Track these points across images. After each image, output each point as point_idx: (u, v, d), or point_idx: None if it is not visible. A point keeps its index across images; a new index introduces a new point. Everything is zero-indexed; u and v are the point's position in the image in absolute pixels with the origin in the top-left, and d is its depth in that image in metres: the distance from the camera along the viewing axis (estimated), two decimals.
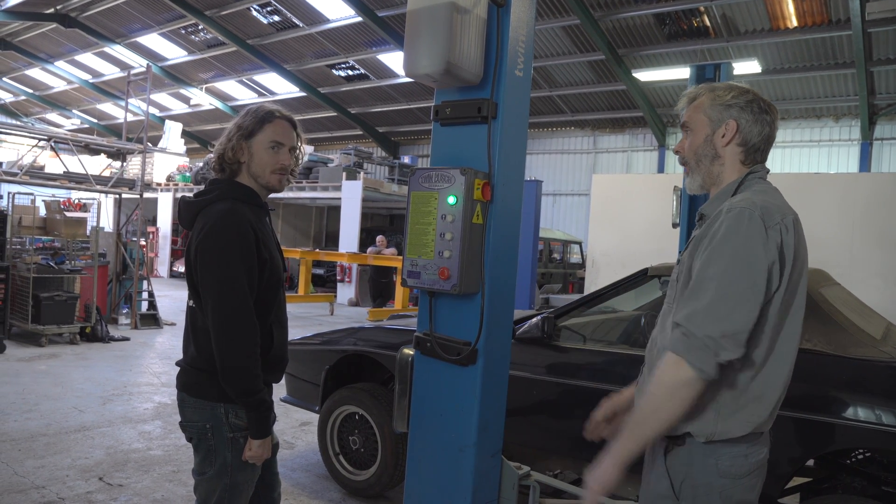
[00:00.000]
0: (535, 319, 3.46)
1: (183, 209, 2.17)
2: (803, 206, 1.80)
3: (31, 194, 10.07)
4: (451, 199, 2.24)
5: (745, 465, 1.64)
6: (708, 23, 14.06)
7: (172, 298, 13.28)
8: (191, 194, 2.21)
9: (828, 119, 16.37)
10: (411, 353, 2.55)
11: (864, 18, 12.09)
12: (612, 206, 12.07)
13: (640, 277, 3.69)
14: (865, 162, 15.60)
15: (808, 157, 16.63)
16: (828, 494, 2.88)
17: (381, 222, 22.01)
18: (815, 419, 2.74)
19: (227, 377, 1.96)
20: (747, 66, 13.40)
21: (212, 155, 2.24)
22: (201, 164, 19.50)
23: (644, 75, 15.82)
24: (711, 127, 1.75)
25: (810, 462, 3.02)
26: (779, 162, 16.74)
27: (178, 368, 2.17)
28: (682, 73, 14.28)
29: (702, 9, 13.66)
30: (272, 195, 2.27)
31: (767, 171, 1.79)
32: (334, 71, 20.53)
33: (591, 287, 11.90)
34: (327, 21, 17.74)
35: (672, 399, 1.58)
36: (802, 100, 15.85)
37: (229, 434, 2.04)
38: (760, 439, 1.68)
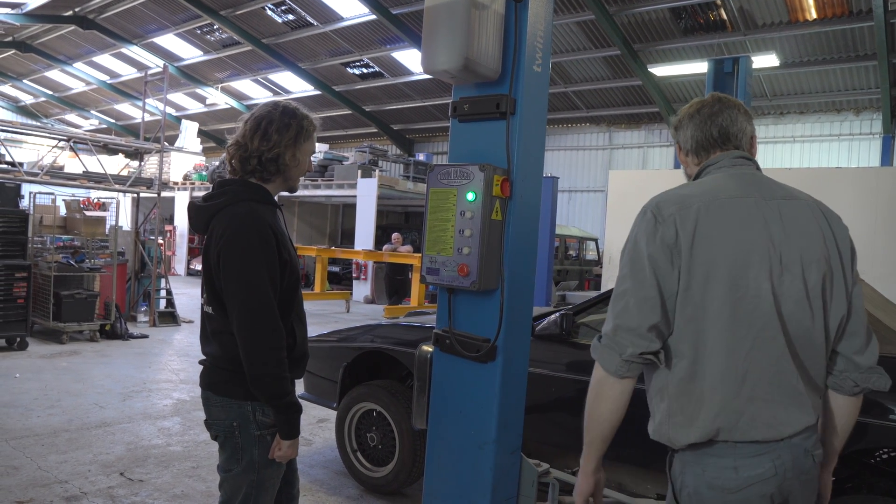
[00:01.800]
0: (553, 316, 3.45)
1: (194, 214, 2.13)
2: (824, 201, 1.75)
3: (52, 194, 10.19)
4: (471, 196, 2.24)
5: (736, 480, 1.53)
6: (725, 16, 13.90)
7: (190, 296, 13.39)
8: (199, 198, 2.17)
9: (848, 112, 16.14)
10: (430, 349, 2.55)
11: (887, 9, 11.90)
12: (629, 202, 11.98)
13: None
14: (888, 156, 15.37)
15: (827, 151, 16.41)
16: (851, 495, 2.84)
17: (396, 220, 22.03)
18: None
19: (256, 382, 1.97)
20: (765, 60, 13.22)
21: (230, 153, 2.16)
22: (217, 163, 19.62)
23: (660, 70, 15.68)
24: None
25: None
26: (798, 157, 16.56)
27: (197, 366, 2.18)
28: (699, 67, 14.12)
29: (718, 2, 13.51)
30: (284, 193, 2.27)
31: (741, 155, 1.76)
32: (349, 69, 20.57)
33: (607, 284, 11.84)
34: (341, 19, 17.77)
35: (598, 400, 1.67)
36: (822, 93, 15.65)
37: (256, 432, 2.05)
38: (754, 453, 1.54)
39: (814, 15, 13.22)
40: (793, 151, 16.73)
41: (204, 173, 20.25)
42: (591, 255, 17.56)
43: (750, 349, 1.55)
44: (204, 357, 2.17)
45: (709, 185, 1.68)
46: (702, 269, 1.55)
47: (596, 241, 17.60)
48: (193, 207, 2.14)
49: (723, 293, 1.54)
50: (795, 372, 1.58)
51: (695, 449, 1.59)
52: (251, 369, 1.95)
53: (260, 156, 2.07)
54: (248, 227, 1.98)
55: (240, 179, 2.11)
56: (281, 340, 1.99)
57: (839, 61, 14.27)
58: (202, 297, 2.14)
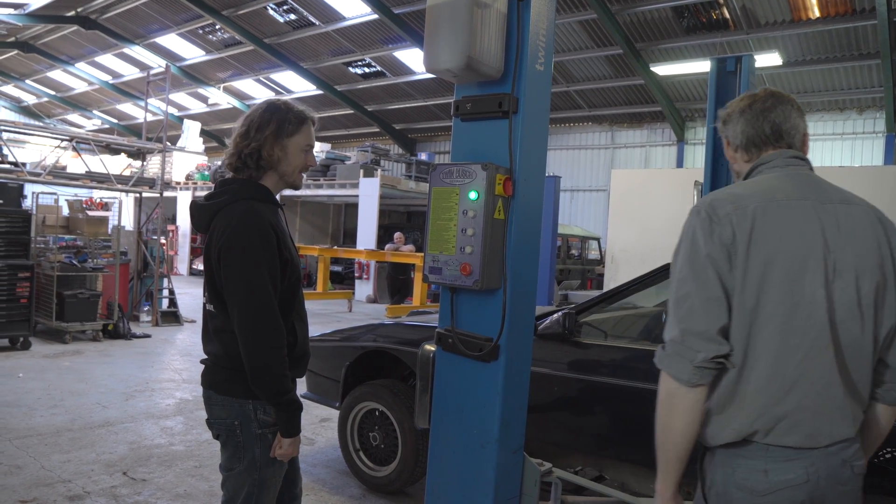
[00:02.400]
0: (556, 315, 3.44)
1: (196, 213, 2.14)
2: None
3: (55, 194, 10.20)
4: (473, 195, 2.23)
5: (764, 483, 1.51)
6: (727, 15, 13.88)
7: (192, 296, 13.41)
8: (201, 197, 2.17)
9: (851, 111, 16.11)
10: (433, 349, 2.54)
11: (891, 7, 11.87)
12: (631, 201, 11.99)
13: (663, 273, 3.66)
14: (891, 154, 15.33)
15: (830, 150, 16.38)
16: (869, 494, 2.83)
17: (398, 219, 22.03)
18: None
19: (257, 380, 1.97)
20: (768, 59, 13.20)
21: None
22: (219, 163, 19.64)
23: (662, 69, 15.67)
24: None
25: None
26: None
27: (199, 365, 2.19)
28: (702, 66, 14.11)
29: (721, 1, 13.49)
30: (287, 192, 2.28)
31: (794, 154, 1.71)
32: (351, 69, 20.57)
33: (610, 283, 11.84)
34: (343, 19, 17.78)
35: (671, 413, 1.57)
36: (825, 92, 15.61)
37: (258, 430, 2.05)
38: (786, 458, 1.52)
39: (816, 13, 13.20)
40: None
41: (206, 173, 20.27)
42: (593, 254, 17.56)
43: (803, 358, 1.52)
44: (206, 356, 2.17)
45: (764, 185, 1.63)
46: (757, 272, 1.52)
47: (598, 240, 17.60)
48: (196, 206, 2.14)
49: (777, 298, 1.51)
50: (841, 382, 1.55)
51: (727, 448, 1.56)
52: (251, 367, 1.95)
53: (241, 151, 2.09)
54: (249, 226, 1.98)
55: (241, 178, 2.11)
56: (281, 339, 1.99)
57: (842, 60, 14.24)
58: (204, 295, 2.14)
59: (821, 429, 1.53)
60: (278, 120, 2.09)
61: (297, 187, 2.22)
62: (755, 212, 1.55)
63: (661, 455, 1.61)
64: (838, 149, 16.31)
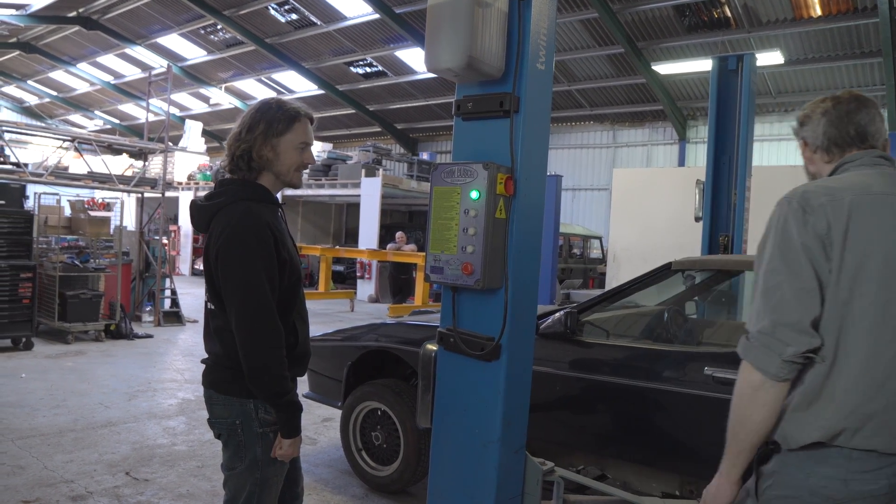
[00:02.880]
0: (558, 314, 3.44)
1: (196, 213, 2.14)
2: None
3: (57, 194, 10.24)
4: (474, 194, 2.23)
5: (843, 491, 1.48)
6: (729, 13, 13.86)
7: (194, 296, 13.41)
8: (201, 196, 2.16)
9: None
10: (434, 348, 2.55)
11: (892, 5, 11.85)
12: (633, 200, 11.98)
13: (664, 272, 3.66)
14: (894, 152, 15.24)
15: None
16: None
17: (400, 219, 22.04)
18: None
19: (255, 381, 1.97)
20: (769, 57, 13.18)
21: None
22: (221, 163, 19.62)
23: (664, 68, 15.65)
24: (802, 156, 1.85)
25: None
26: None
27: (201, 366, 2.19)
28: (703, 65, 14.09)
29: None
30: (289, 192, 2.27)
31: (880, 154, 1.72)
32: (352, 68, 20.58)
33: (612, 282, 11.83)
34: (345, 19, 17.78)
35: (751, 405, 1.54)
36: (827, 90, 15.56)
37: (259, 429, 2.05)
38: (870, 468, 1.48)
39: (818, 12, 13.18)
40: (797, 149, 16.56)
41: (208, 173, 20.29)
42: (595, 253, 17.55)
43: (894, 356, 1.49)
44: (207, 355, 2.17)
45: (855, 179, 1.61)
46: (852, 265, 1.49)
47: (600, 239, 17.59)
48: (195, 206, 2.14)
49: (872, 292, 1.48)
50: None
51: (804, 451, 1.52)
52: (249, 368, 1.95)
53: (232, 154, 2.09)
54: (246, 227, 1.98)
55: (239, 179, 2.11)
56: (279, 339, 1.99)
57: (844, 58, 14.21)
58: (206, 294, 2.14)
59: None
60: (267, 120, 2.07)
61: (296, 186, 2.21)
62: (851, 204, 1.52)
63: (733, 445, 1.59)
64: None
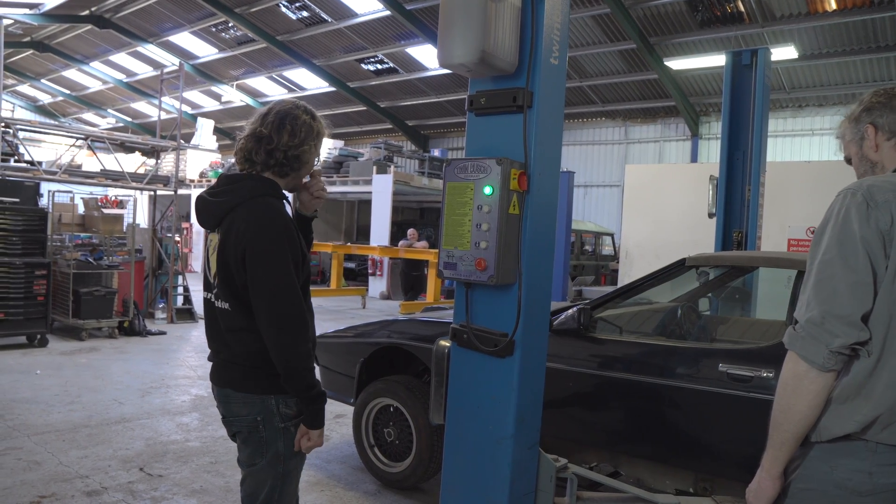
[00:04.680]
0: (571, 311, 3.43)
1: (204, 209, 2.09)
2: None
3: (70, 192, 10.29)
4: (488, 190, 2.23)
5: (868, 483, 1.49)
6: (742, 8, 13.74)
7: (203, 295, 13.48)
8: (206, 192, 2.13)
9: None
10: (448, 344, 2.54)
11: None
12: (645, 196, 11.92)
13: (678, 268, 3.64)
14: None
15: None
16: None
17: (411, 216, 22.04)
18: None
19: (291, 377, 1.97)
20: (784, 52, 13.06)
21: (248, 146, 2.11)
22: (232, 161, 19.70)
23: (676, 63, 15.54)
24: (858, 145, 1.76)
25: None
26: (817, 150, 16.34)
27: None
28: (716, 60, 13.98)
29: None
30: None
31: None
32: (363, 65, 20.58)
33: (624, 278, 11.79)
34: (356, 15, 17.78)
35: (796, 395, 1.53)
36: (841, 85, 15.42)
37: (280, 424, 2.06)
38: (893, 460, 1.49)
39: (833, 6, 13.03)
40: (811, 144, 16.52)
41: (220, 170, 20.37)
42: (606, 249, 17.48)
43: None
44: (212, 353, 2.16)
45: None
46: None
47: (612, 235, 17.52)
48: (204, 202, 2.10)
49: None
50: None
51: (830, 444, 1.53)
52: (286, 365, 1.95)
53: (286, 150, 2.05)
54: (274, 223, 1.97)
55: (253, 175, 2.07)
56: (308, 335, 2.01)
57: (859, 52, 14.05)
58: (209, 292, 2.12)
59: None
60: (318, 126, 2.12)
61: (295, 190, 2.22)
62: None
63: (776, 435, 1.58)
64: None
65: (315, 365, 2.05)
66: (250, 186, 2.05)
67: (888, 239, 1.49)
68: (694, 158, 17.94)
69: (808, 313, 1.51)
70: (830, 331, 1.47)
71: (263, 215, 1.98)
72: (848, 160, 1.82)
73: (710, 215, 6.14)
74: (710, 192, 6.15)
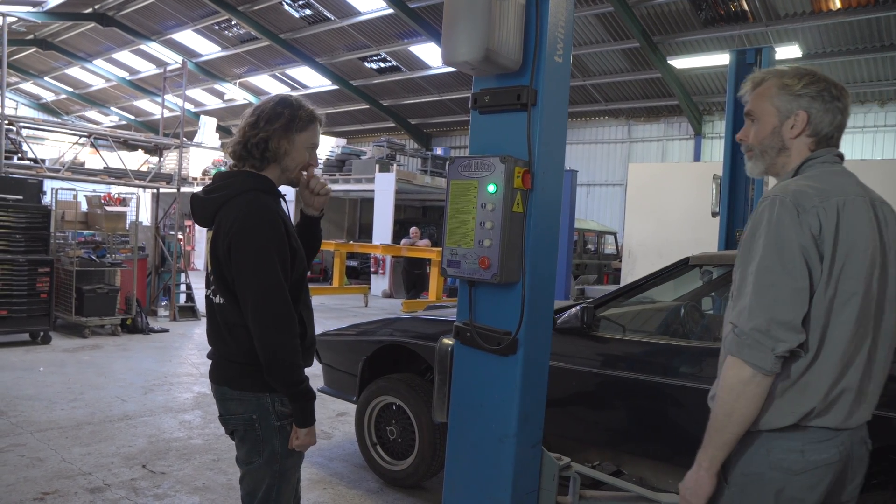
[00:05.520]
0: (574, 309, 3.42)
1: (198, 206, 2.10)
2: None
3: (73, 190, 10.30)
4: (492, 188, 2.22)
5: (801, 462, 1.58)
6: (746, 6, 13.71)
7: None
8: (199, 190, 2.13)
9: (872, 104, 15.87)
10: (451, 342, 2.53)
11: None
12: (649, 195, 11.90)
13: (682, 267, 3.63)
14: None
15: (850, 143, 16.12)
16: (879, 491, 2.78)
17: (414, 214, 22.04)
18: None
19: (274, 372, 1.96)
20: (788, 51, 13.02)
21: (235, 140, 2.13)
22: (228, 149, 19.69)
23: (680, 62, 15.51)
24: (779, 118, 1.70)
25: None
26: None
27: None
28: (719, 59, 13.95)
29: None
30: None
31: (838, 153, 1.72)
32: (366, 63, 20.57)
33: (627, 277, 11.77)
34: (359, 14, 17.77)
35: (740, 399, 1.57)
36: (846, 84, 15.27)
37: (276, 423, 2.05)
38: (823, 438, 1.59)
39: (838, 4, 13.00)
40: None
41: (223, 168, 20.34)
42: (609, 248, 17.46)
43: (862, 345, 1.60)
44: (212, 350, 2.16)
45: (833, 180, 1.64)
46: (840, 264, 1.56)
47: (615, 234, 17.49)
48: (198, 200, 2.11)
49: (852, 289, 1.57)
50: (872, 370, 1.64)
51: (769, 432, 1.60)
52: (268, 358, 1.95)
53: (246, 141, 2.06)
54: (258, 218, 1.97)
55: (244, 171, 2.09)
56: (295, 328, 1.99)
57: (864, 51, 14.01)
58: (208, 288, 2.12)
59: (856, 411, 1.61)
60: (290, 114, 2.07)
61: (295, 185, 2.21)
62: (838, 206, 1.57)
63: (717, 437, 1.61)
64: (859, 142, 16.06)
65: (301, 361, 2.02)
66: (238, 182, 2.06)
67: (819, 243, 1.55)
68: (697, 157, 17.91)
69: (752, 321, 1.53)
70: (776, 337, 1.52)
71: (247, 209, 1.98)
72: (749, 114, 1.77)
73: (714, 214, 6.12)
74: (714, 192, 6.13)
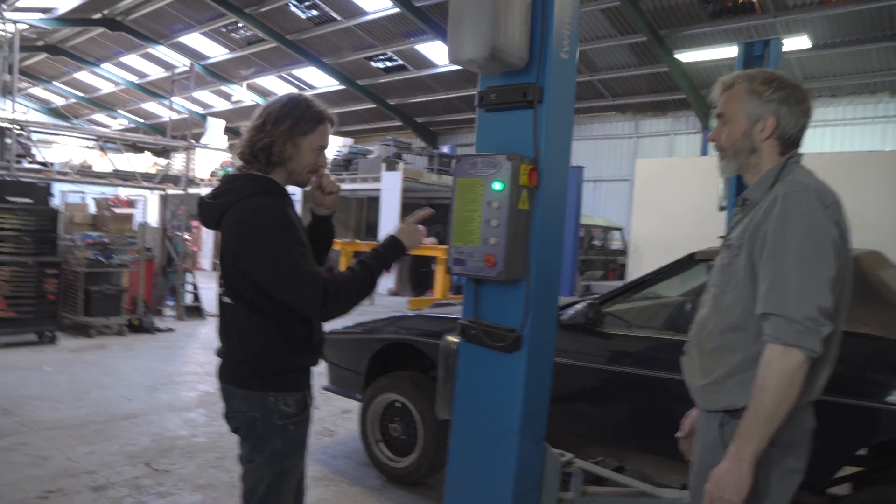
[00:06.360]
0: (579, 306, 3.40)
1: (204, 211, 2.11)
2: (857, 187, 1.83)
3: (82, 192, 10.36)
4: (498, 186, 2.20)
5: (797, 435, 1.70)
6: None
7: (215, 291, 13.55)
8: (208, 193, 2.13)
9: (883, 94, 15.66)
10: (455, 340, 2.52)
11: None
12: (655, 190, 11.83)
13: (687, 262, 3.59)
14: None
15: (860, 134, 15.96)
16: (882, 485, 2.75)
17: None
18: (870, 406, 2.62)
19: (332, 313, 2.01)
20: (796, 42, 12.88)
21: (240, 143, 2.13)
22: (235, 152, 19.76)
23: (687, 56, 15.39)
24: (749, 121, 1.80)
25: (863, 451, 2.88)
26: (829, 141, 16.16)
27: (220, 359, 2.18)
28: (727, 52, 13.83)
29: None
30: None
31: (801, 155, 1.85)
32: (372, 63, 20.57)
33: (633, 273, 11.71)
34: (365, 13, 17.77)
35: (791, 386, 1.60)
36: (855, 75, 15.21)
37: (278, 422, 2.05)
38: (808, 410, 1.76)
39: None
40: (824, 136, 16.30)
41: (230, 169, 20.41)
42: (615, 244, 17.37)
43: (838, 327, 1.73)
44: (220, 348, 2.16)
45: (818, 179, 1.76)
46: (845, 257, 1.69)
47: (621, 230, 17.41)
48: (203, 204, 2.11)
49: (848, 280, 1.73)
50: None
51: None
52: (352, 302, 2.04)
53: (252, 145, 2.04)
54: (261, 218, 1.96)
55: (246, 174, 2.08)
56: (321, 281, 1.97)
57: (874, 41, 13.84)
58: (220, 288, 2.12)
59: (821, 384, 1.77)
60: (295, 117, 2.04)
61: (304, 186, 2.19)
62: (841, 201, 1.72)
63: (765, 428, 1.61)
64: (868, 133, 15.88)
65: (313, 361, 2.07)
66: (242, 185, 2.05)
67: (842, 238, 1.68)
68: (704, 151, 17.77)
69: (804, 310, 1.58)
70: (822, 322, 1.60)
71: (251, 214, 1.97)
72: (720, 116, 1.85)
73: (721, 209, 6.07)
74: (721, 186, 6.07)
